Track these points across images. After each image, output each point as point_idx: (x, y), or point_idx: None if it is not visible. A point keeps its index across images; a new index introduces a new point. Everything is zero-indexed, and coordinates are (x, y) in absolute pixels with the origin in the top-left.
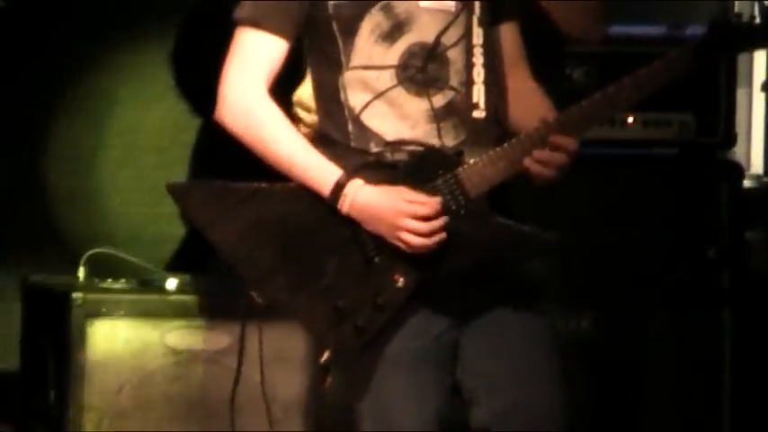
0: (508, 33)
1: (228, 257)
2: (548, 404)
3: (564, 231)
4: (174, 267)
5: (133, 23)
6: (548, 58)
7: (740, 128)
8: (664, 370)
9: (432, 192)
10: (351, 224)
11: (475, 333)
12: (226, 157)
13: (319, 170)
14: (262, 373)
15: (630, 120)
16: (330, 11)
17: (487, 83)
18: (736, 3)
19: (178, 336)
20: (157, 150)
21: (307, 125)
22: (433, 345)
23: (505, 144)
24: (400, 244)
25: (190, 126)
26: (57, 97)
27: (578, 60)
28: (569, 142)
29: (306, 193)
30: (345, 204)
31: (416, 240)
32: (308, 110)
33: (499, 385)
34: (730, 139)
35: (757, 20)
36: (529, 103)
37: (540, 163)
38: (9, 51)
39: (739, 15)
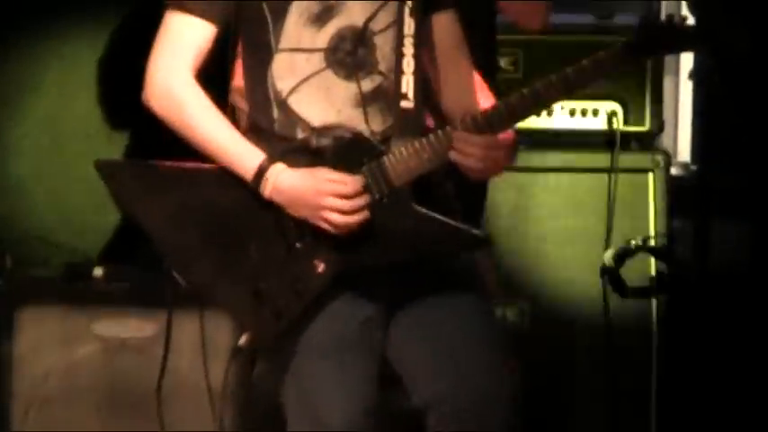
0: (444, 22)
1: (153, 237)
2: (475, 391)
3: (500, 221)
4: (102, 257)
5: (56, 9)
6: (481, 47)
7: (667, 116)
8: (592, 357)
9: (355, 179)
10: (274, 209)
11: (403, 320)
12: (154, 143)
13: (242, 155)
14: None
15: (561, 110)
16: None
17: (417, 73)
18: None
19: (105, 324)
20: (85, 138)
21: (244, 112)
22: (358, 331)
23: (431, 135)
24: (323, 223)
25: (116, 113)
26: None
27: (505, 48)
28: (496, 135)
29: (230, 177)
30: (267, 189)
31: (339, 219)
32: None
33: (428, 373)
34: (657, 127)
35: (687, 21)
36: (466, 92)
37: (468, 155)
38: None
39: (670, 17)
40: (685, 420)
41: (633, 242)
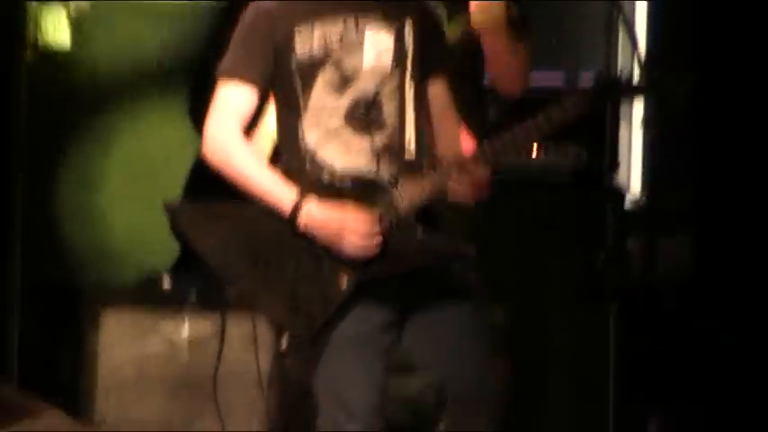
0: (436, 87)
1: (209, 261)
2: (472, 377)
3: (483, 240)
4: (169, 269)
5: (136, 76)
6: (471, 104)
7: (622, 158)
8: (561, 352)
9: (371, 211)
10: (306, 236)
11: (415, 321)
12: (210, 180)
13: (281, 194)
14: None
15: (535, 150)
16: (293, 66)
17: (417, 126)
18: (620, 56)
19: (171, 324)
20: (154, 174)
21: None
22: (375, 331)
23: (431, 175)
24: (344, 251)
25: (181, 155)
26: (71, 130)
27: (492, 103)
28: (481, 171)
29: (270, 211)
30: (301, 219)
31: (357, 250)
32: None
33: (433, 364)
34: (614, 167)
35: (637, 74)
36: (455, 141)
37: (462, 187)
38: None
39: (620, 73)
40: (639, 403)
41: (596, 259)
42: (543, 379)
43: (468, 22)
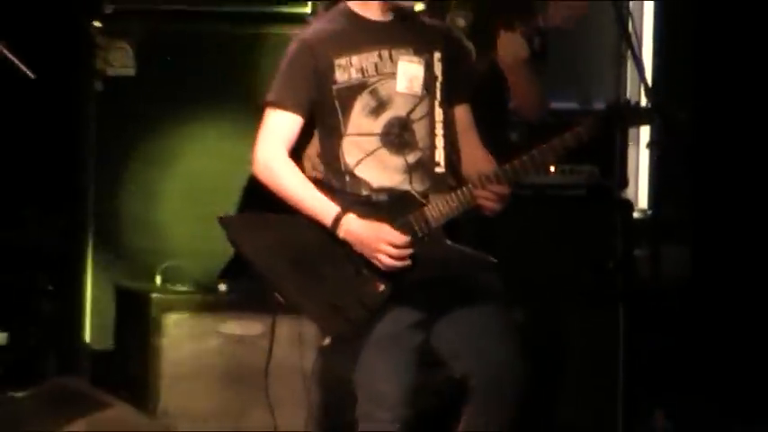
0: (461, 112)
1: (258, 269)
2: (496, 369)
3: (505, 249)
4: (222, 275)
5: (194, 102)
6: (496, 127)
7: (631, 175)
8: (574, 350)
9: (404, 224)
10: (345, 246)
11: (443, 320)
12: (261, 196)
13: (323, 208)
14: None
15: (552, 169)
16: (333, 93)
17: (446, 147)
18: (628, 86)
19: (226, 324)
20: (211, 190)
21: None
22: (406, 331)
23: (458, 190)
24: (378, 263)
25: (234, 173)
26: (136, 150)
27: (514, 126)
28: (503, 189)
29: (313, 223)
30: (341, 231)
31: (389, 261)
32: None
33: (460, 356)
34: (623, 183)
35: (643, 103)
36: (477, 160)
37: (486, 201)
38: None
39: (628, 101)
40: (645, 394)
41: (607, 265)
42: (558, 373)
43: (495, 55)
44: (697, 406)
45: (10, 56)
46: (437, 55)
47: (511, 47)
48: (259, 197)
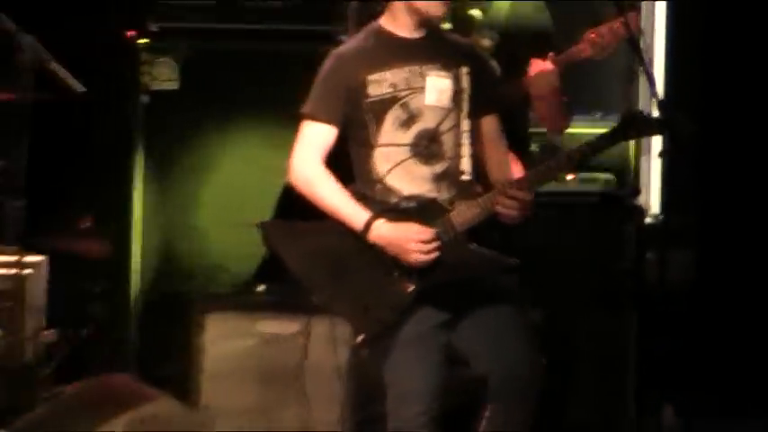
0: (488, 123)
1: (295, 272)
2: (514, 369)
3: (525, 253)
4: (259, 277)
5: (233, 114)
6: (520, 139)
7: (643, 184)
8: (587, 350)
9: (431, 229)
10: (376, 250)
11: (466, 320)
12: (296, 203)
13: (355, 214)
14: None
15: (570, 177)
16: (365, 107)
17: (471, 156)
18: (640, 101)
19: (264, 324)
20: (248, 198)
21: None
22: (432, 330)
23: (480, 197)
24: (409, 259)
25: (270, 181)
26: (180, 160)
27: (536, 137)
28: (525, 195)
29: (346, 229)
30: (372, 236)
31: (419, 257)
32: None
33: (480, 356)
34: (636, 191)
35: (654, 115)
36: (504, 168)
37: (506, 208)
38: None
39: (641, 112)
40: (654, 389)
41: (620, 268)
42: (573, 370)
43: (525, 80)
44: (703, 402)
45: (61, 71)
46: (464, 70)
47: (544, 77)
48: (293, 204)
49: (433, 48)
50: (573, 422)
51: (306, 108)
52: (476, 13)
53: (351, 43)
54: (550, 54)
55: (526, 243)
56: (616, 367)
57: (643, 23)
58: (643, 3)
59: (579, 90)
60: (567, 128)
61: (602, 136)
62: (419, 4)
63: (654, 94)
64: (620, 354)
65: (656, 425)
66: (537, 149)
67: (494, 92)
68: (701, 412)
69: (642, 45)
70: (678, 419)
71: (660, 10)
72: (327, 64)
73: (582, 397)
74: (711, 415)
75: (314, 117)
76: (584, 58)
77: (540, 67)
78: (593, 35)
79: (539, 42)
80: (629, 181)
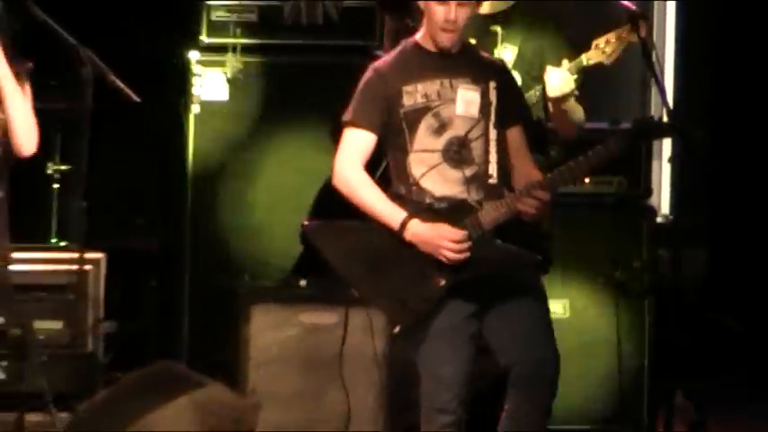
0: (514, 133)
1: (336, 268)
2: (537, 359)
3: (548, 250)
4: (303, 273)
5: (277, 122)
6: (539, 143)
7: (654, 185)
8: (608, 338)
9: (461, 226)
10: (411, 247)
11: (493, 313)
12: (336, 203)
13: (391, 214)
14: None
15: (587, 180)
16: (401, 116)
17: (498, 162)
18: (652, 107)
19: (306, 314)
20: (291, 199)
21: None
22: (463, 321)
23: (506, 197)
24: (441, 257)
25: (311, 184)
26: (229, 164)
27: (554, 143)
28: (544, 195)
29: (383, 228)
30: (408, 234)
31: (451, 255)
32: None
33: (505, 347)
34: (648, 192)
35: (665, 119)
36: (527, 173)
37: (528, 207)
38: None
39: (652, 118)
40: (667, 377)
41: (634, 264)
42: (592, 357)
43: (542, 87)
44: (712, 387)
45: (118, 83)
46: (492, 84)
47: (558, 83)
48: (332, 204)
49: (465, 63)
50: (590, 404)
51: (347, 116)
52: (497, 29)
53: (388, 57)
54: (564, 61)
55: (548, 241)
56: (632, 355)
57: (655, 25)
58: (655, 3)
59: (596, 97)
60: (579, 132)
61: (615, 140)
62: (435, 36)
63: (665, 102)
64: (636, 343)
65: (669, 407)
66: (555, 153)
67: (519, 104)
68: (709, 396)
69: (654, 57)
70: (688, 402)
71: (671, 10)
72: (367, 76)
73: (600, 381)
74: (719, 398)
75: (355, 124)
76: (594, 65)
77: (554, 73)
78: (600, 42)
79: (552, 52)
80: (641, 183)
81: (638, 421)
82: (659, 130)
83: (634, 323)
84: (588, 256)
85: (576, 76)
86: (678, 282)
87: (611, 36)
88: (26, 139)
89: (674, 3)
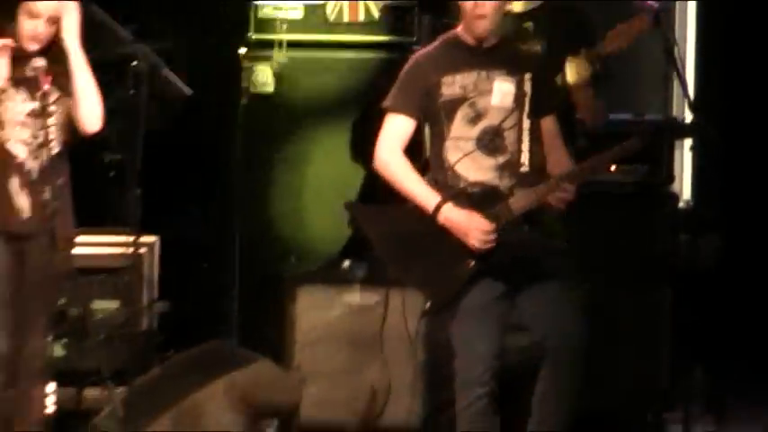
0: (548, 123)
1: (377, 249)
2: (566, 333)
3: (572, 237)
4: (346, 255)
5: (322, 113)
6: (566, 134)
7: (677, 173)
8: (630, 320)
9: (491, 213)
10: (444, 230)
11: (524, 292)
12: (378, 187)
13: (427, 197)
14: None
15: (613, 168)
16: (439, 105)
17: (530, 151)
18: (674, 101)
19: (348, 295)
20: (336, 187)
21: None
22: (493, 300)
23: (536, 186)
24: (470, 244)
25: (354, 172)
26: (275, 154)
27: (582, 133)
28: (573, 188)
29: (420, 211)
30: (441, 218)
31: (478, 244)
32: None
33: (537, 323)
34: (670, 179)
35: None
36: (561, 162)
37: (556, 199)
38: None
39: (675, 119)
40: (686, 354)
41: (656, 249)
42: (616, 338)
43: (564, 76)
44: (728, 364)
45: (171, 76)
46: (527, 75)
47: (576, 69)
48: (374, 191)
49: (501, 56)
50: (614, 381)
51: (388, 102)
52: (528, 25)
53: (428, 49)
54: (582, 50)
55: (575, 227)
56: (653, 334)
57: (677, 23)
58: (677, 3)
59: (620, 90)
60: (603, 123)
61: (640, 137)
62: (470, 26)
63: (686, 95)
64: (657, 323)
65: (688, 385)
66: (583, 142)
67: (553, 95)
68: (725, 373)
69: (676, 52)
70: (706, 378)
71: (691, 8)
72: (408, 65)
73: (623, 360)
74: (734, 375)
75: (395, 110)
76: (609, 53)
77: (572, 62)
78: (614, 31)
79: (576, 42)
80: (662, 171)
81: (658, 397)
82: (681, 130)
83: (655, 305)
84: (612, 240)
85: (592, 64)
86: (696, 265)
87: (624, 26)
88: (92, 115)
89: (694, 2)
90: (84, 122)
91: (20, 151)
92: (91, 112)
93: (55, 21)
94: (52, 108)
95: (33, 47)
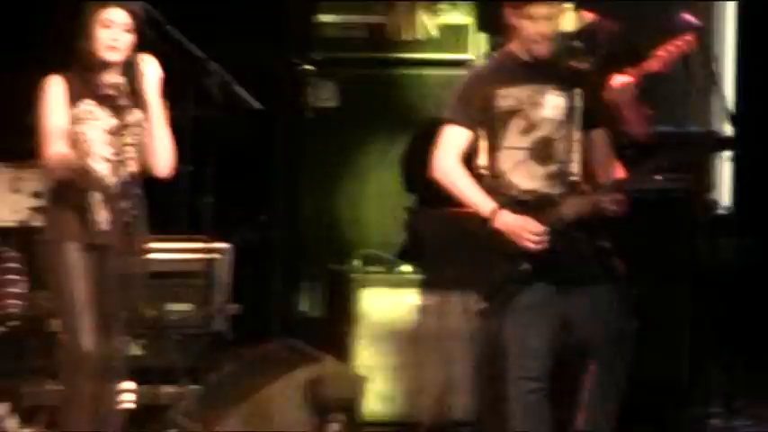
0: (597, 135)
1: (436, 252)
2: (613, 333)
3: (621, 240)
4: (406, 258)
5: (381, 126)
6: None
7: (717, 180)
8: (656, 315)
9: (543, 218)
10: (499, 234)
11: (573, 293)
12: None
13: (483, 203)
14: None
15: (658, 177)
16: (494, 115)
17: (580, 161)
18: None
19: (408, 296)
20: (398, 196)
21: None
22: (545, 300)
23: (588, 196)
24: (523, 246)
25: (415, 182)
26: (338, 163)
27: (628, 144)
28: (622, 196)
29: (476, 218)
30: (497, 222)
31: (532, 246)
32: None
33: (586, 323)
34: (710, 186)
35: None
36: (610, 172)
37: (608, 206)
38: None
39: (716, 133)
40: (709, 345)
41: (699, 250)
42: (652, 332)
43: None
44: (746, 360)
45: (241, 92)
46: (577, 90)
47: (622, 87)
48: (432, 199)
49: (553, 71)
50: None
51: (446, 114)
52: (577, 44)
53: (487, 63)
54: (627, 69)
55: (622, 232)
56: (675, 328)
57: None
58: (715, 3)
59: (663, 104)
60: (648, 134)
61: (683, 151)
62: (529, 47)
63: (725, 109)
64: (701, 322)
65: (707, 376)
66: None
67: (602, 109)
68: (742, 367)
69: (713, 67)
70: (724, 372)
71: (731, 11)
72: (466, 78)
73: (649, 354)
74: (751, 370)
75: (453, 121)
76: (654, 72)
77: (619, 79)
78: (660, 52)
79: (617, 61)
80: (703, 179)
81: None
82: (721, 145)
83: (695, 304)
84: (657, 245)
85: (635, 81)
86: (735, 267)
87: (670, 46)
88: (165, 163)
89: (733, 3)
90: (157, 168)
91: (102, 167)
92: (164, 160)
93: (130, 29)
94: (130, 125)
95: (113, 57)
